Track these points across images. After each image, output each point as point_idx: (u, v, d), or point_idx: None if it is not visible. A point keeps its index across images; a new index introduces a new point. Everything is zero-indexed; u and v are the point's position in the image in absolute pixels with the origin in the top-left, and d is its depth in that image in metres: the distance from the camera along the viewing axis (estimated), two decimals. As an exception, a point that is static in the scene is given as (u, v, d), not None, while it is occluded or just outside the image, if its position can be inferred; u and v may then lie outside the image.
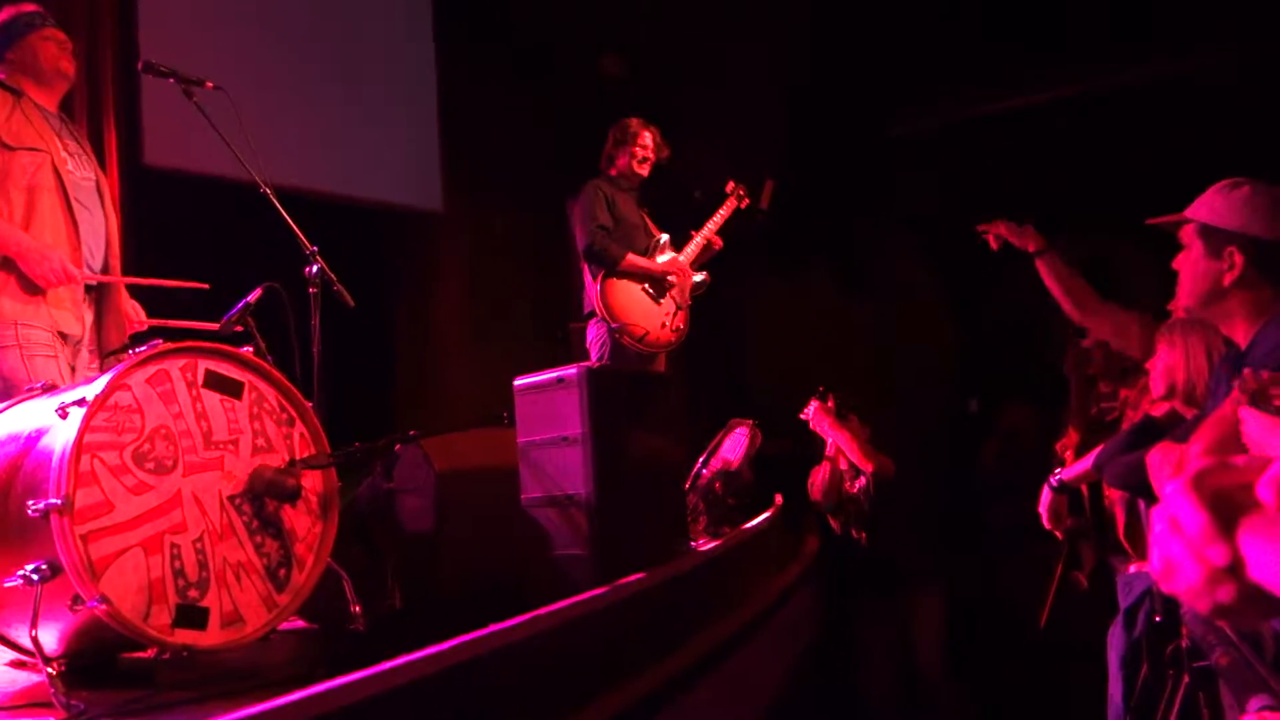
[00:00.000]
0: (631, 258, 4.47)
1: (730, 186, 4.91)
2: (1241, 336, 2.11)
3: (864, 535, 4.80)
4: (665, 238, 4.68)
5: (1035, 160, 6.10)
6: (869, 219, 6.66)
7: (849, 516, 4.87)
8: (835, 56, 6.28)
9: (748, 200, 4.89)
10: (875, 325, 6.51)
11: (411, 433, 3.11)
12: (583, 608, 2.43)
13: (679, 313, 4.56)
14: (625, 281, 4.46)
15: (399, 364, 5.49)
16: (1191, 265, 2.16)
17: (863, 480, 4.77)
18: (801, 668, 3.90)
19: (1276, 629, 1.88)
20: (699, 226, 4.78)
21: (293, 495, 2.49)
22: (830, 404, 4.85)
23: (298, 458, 2.57)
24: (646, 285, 4.51)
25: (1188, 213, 2.18)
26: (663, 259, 4.60)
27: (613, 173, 4.69)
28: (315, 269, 3.23)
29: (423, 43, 5.87)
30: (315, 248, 3.25)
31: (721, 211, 4.83)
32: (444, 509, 3.08)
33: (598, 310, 4.40)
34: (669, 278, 4.55)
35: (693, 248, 4.71)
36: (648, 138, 4.70)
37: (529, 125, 6.25)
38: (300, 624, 2.66)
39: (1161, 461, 2.21)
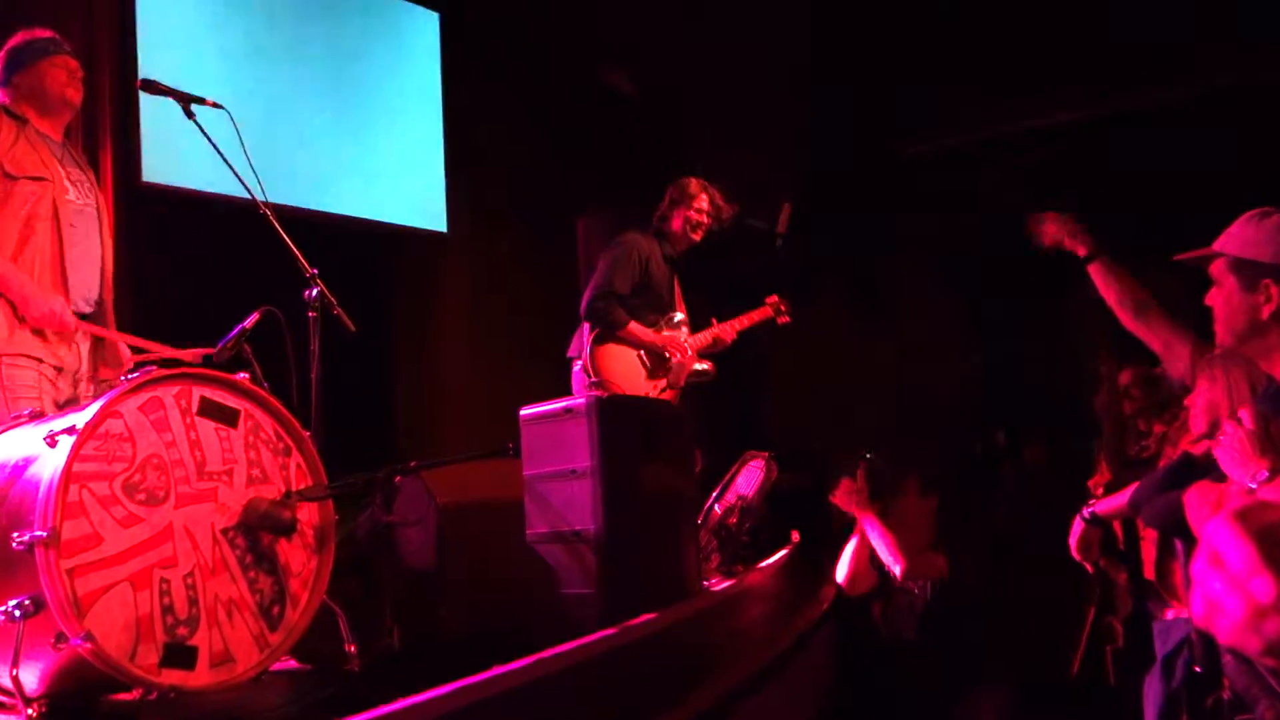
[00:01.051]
0: (634, 328, 4.35)
1: (772, 299, 4.79)
2: (1282, 377, 2.10)
3: (915, 636, 4.40)
4: (682, 317, 4.57)
5: (1062, 183, 6.10)
6: (889, 242, 6.67)
7: (897, 611, 4.48)
8: (849, 72, 6.32)
9: (786, 319, 4.77)
10: (897, 353, 6.50)
11: (412, 464, 3.10)
12: (589, 650, 2.41)
13: (667, 392, 4.47)
14: (620, 346, 4.37)
15: (400, 391, 5.49)
16: (1226, 301, 2.15)
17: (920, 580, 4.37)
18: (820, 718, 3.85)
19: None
20: (729, 315, 4.68)
21: (288, 529, 2.48)
22: (862, 482, 4.50)
23: (294, 489, 2.56)
24: (642, 354, 4.41)
25: (1217, 246, 2.17)
26: (668, 334, 4.48)
27: (665, 229, 4.56)
28: (315, 292, 3.23)
29: (428, 62, 5.92)
30: (315, 270, 3.26)
31: (752, 315, 4.72)
32: (446, 544, 3.06)
33: (583, 360, 4.35)
34: (668, 355, 4.43)
35: (705, 334, 4.58)
36: (705, 201, 4.54)
37: (535, 145, 6.28)
38: (293, 664, 2.64)
39: (1200, 501, 2.19)
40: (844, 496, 4.54)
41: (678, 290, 4.61)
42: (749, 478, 4.18)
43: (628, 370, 4.36)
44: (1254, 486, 1.76)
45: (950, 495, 4.77)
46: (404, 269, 5.76)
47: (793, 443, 5.45)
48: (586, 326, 4.39)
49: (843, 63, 6.26)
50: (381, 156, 5.57)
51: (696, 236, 4.55)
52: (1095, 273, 3.11)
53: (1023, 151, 6.34)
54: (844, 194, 6.63)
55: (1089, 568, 3.27)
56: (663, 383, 4.44)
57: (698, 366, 4.56)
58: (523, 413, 3.17)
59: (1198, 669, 2.66)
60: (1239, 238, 2.16)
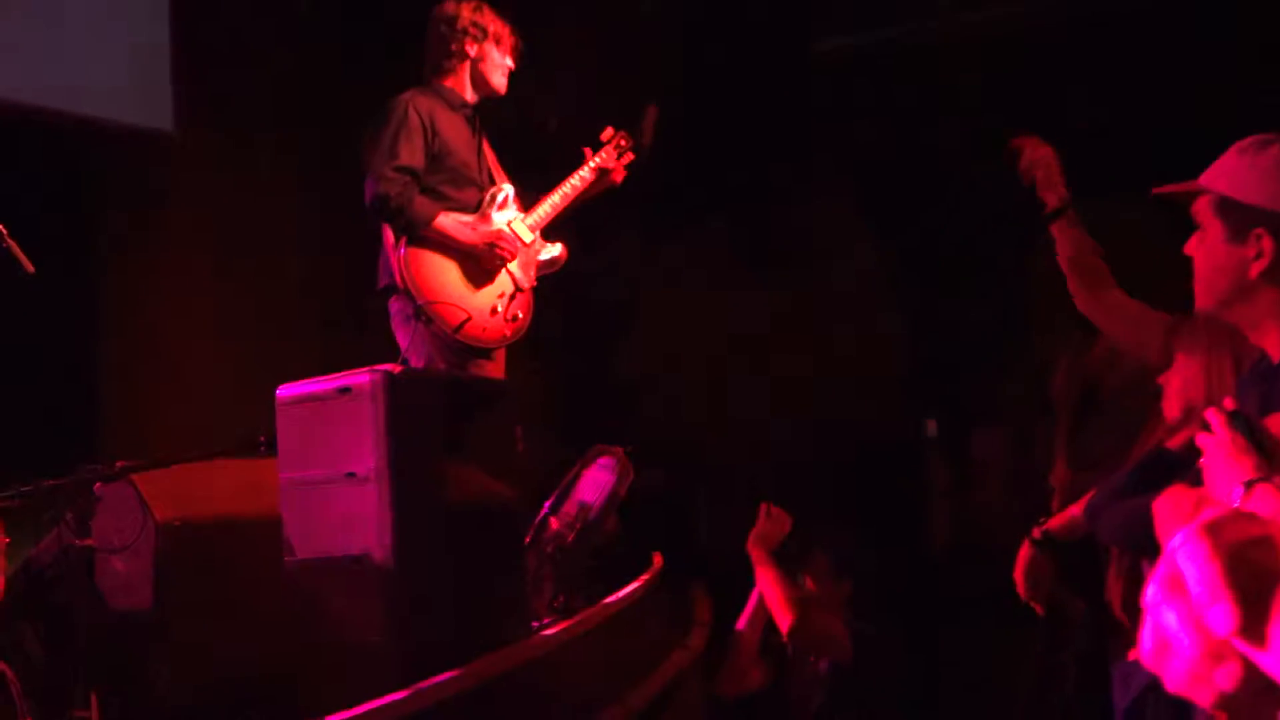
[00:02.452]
0: (443, 221, 4.29)
1: (608, 134, 4.73)
2: (1274, 346, 2.22)
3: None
4: (509, 191, 4.49)
5: (1018, 90, 6.31)
6: (790, 164, 6.79)
7: (802, 680, 4.65)
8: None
9: (631, 155, 4.71)
10: (798, 313, 6.64)
11: (120, 464, 3.03)
12: (371, 722, 2.41)
13: (518, 296, 4.43)
14: (437, 253, 4.29)
15: (105, 362, 5.31)
16: (1209, 252, 2.25)
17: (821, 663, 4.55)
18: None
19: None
20: (555, 180, 4.65)
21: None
22: (773, 524, 4.64)
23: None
24: (462, 261, 4.34)
25: (1203, 180, 2.27)
26: (500, 218, 4.43)
27: (444, 83, 4.49)
28: (-27, 216, 3.12)
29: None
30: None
31: (591, 165, 4.66)
32: (167, 577, 3.01)
33: (399, 282, 4.25)
34: (499, 251, 4.37)
35: (543, 211, 4.53)
36: (506, 32, 4.49)
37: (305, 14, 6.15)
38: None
39: (1173, 511, 2.30)
40: (755, 532, 4.64)
41: (491, 158, 4.56)
42: (596, 480, 4.23)
43: (457, 281, 4.30)
44: (1235, 505, 1.87)
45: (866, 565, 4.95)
46: (113, 185, 5.56)
47: (657, 432, 5.53)
48: (389, 243, 4.30)
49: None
50: (77, 20, 5.34)
51: (500, 84, 4.50)
52: (1057, 231, 3.27)
53: (968, 56, 6.54)
54: (734, 98, 6.71)
55: (1038, 609, 3.43)
56: (507, 284, 4.40)
57: (545, 255, 4.53)
58: (280, 392, 3.13)
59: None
60: (1229, 172, 2.26)
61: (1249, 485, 1.90)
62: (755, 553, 4.60)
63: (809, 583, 4.68)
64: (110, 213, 5.47)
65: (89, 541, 2.83)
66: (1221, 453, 1.96)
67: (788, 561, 4.62)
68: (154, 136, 5.66)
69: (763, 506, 4.69)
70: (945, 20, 6.64)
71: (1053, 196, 3.30)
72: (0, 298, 3.14)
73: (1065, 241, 3.28)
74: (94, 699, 2.68)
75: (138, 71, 5.60)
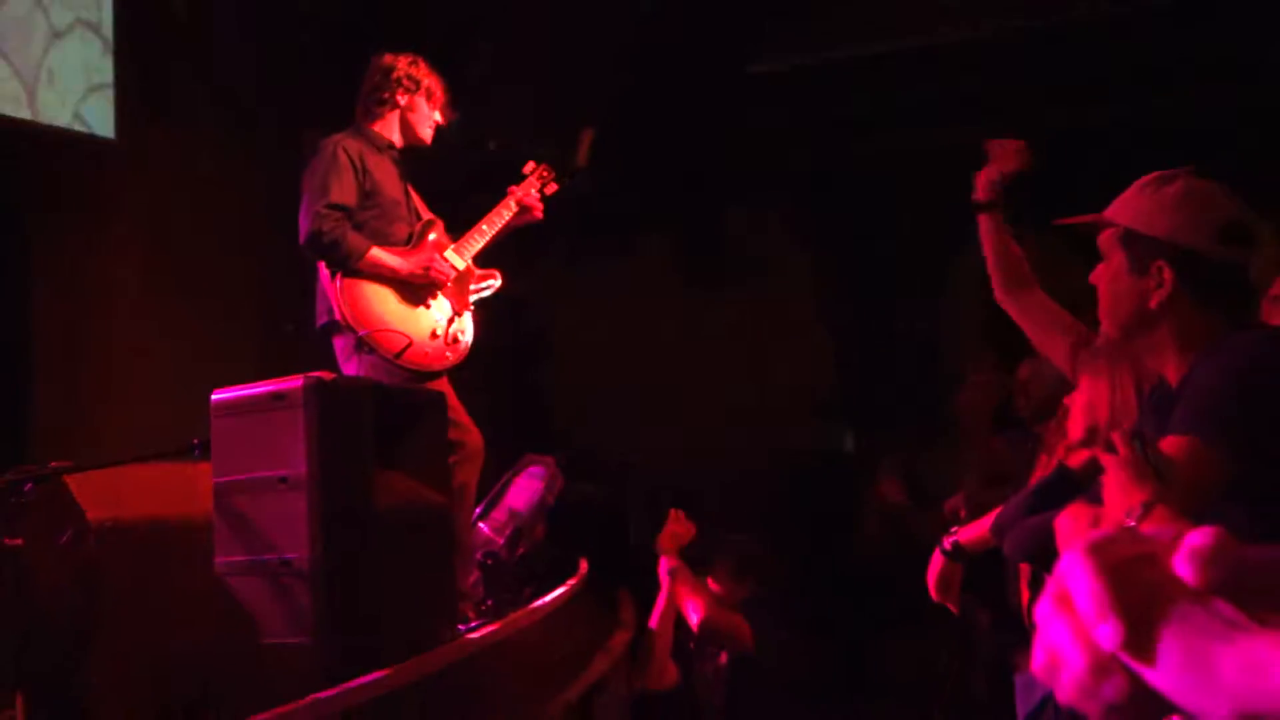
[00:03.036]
0: (376, 254, 4.28)
1: (529, 167, 4.74)
2: (1173, 372, 2.27)
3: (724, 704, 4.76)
4: (437, 224, 4.49)
5: (946, 112, 6.38)
6: (724, 189, 6.83)
7: (704, 678, 4.84)
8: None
9: (554, 186, 4.72)
10: (728, 331, 6.68)
11: (52, 464, 2.98)
12: (296, 722, 2.39)
13: (455, 320, 4.41)
14: (372, 283, 4.28)
15: (40, 363, 5.22)
16: (1113, 281, 2.30)
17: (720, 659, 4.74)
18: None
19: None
20: (481, 211, 4.64)
21: None
22: (680, 527, 4.84)
23: None
24: (399, 290, 4.33)
25: (1108, 213, 2.32)
26: (431, 248, 4.41)
27: (372, 126, 4.49)
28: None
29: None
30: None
31: (514, 201, 4.64)
32: (99, 579, 2.96)
33: (338, 316, 4.23)
34: (434, 276, 4.36)
35: (472, 242, 4.52)
36: (439, 89, 4.51)
37: (252, 25, 6.09)
38: None
39: (1074, 527, 2.35)
40: (663, 535, 4.82)
41: (415, 197, 4.56)
42: (525, 489, 4.24)
43: (395, 308, 4.28)
44: (1132, 525, 1.91)
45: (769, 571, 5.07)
46: (51, 189, 5.47)
47: (585, 440, 5.54)
48: (326, 275, 4.28)
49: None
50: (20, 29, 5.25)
51: (427, 136, 4.52)
52: (984, 224, 3.29)
53: (904, 74, 6.60)
54: (669, 119, 6.73)
55: (952, 608, 3.48)
56: (445, 308, 4.39)
57: (479, 281, 4.52)
58: (214, 397, 3.10)
59: (1063, 728, 2.90)
60: (1132, 206, 2.31)
61: (1146, 506, 1.94)
62: (665, 552, 4.71)
63: (710, 583, 4.84)
64: (48, 215, 5.38)
65: (17, 541, 2.78)
66: (1121, 474, 2.00)
67: (693, 564, 4.78)
68: (96, 141, 5.58)
69: (671, 511, 4.84)
70: (860, 47, 6.71)
71: (984, 192, 3.31)
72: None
73: (991, 234, 3.30)
74: (20, 701, 2.64)
75: (71, 64, 5.51)
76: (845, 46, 6.74)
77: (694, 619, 4.60)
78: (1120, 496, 2.02)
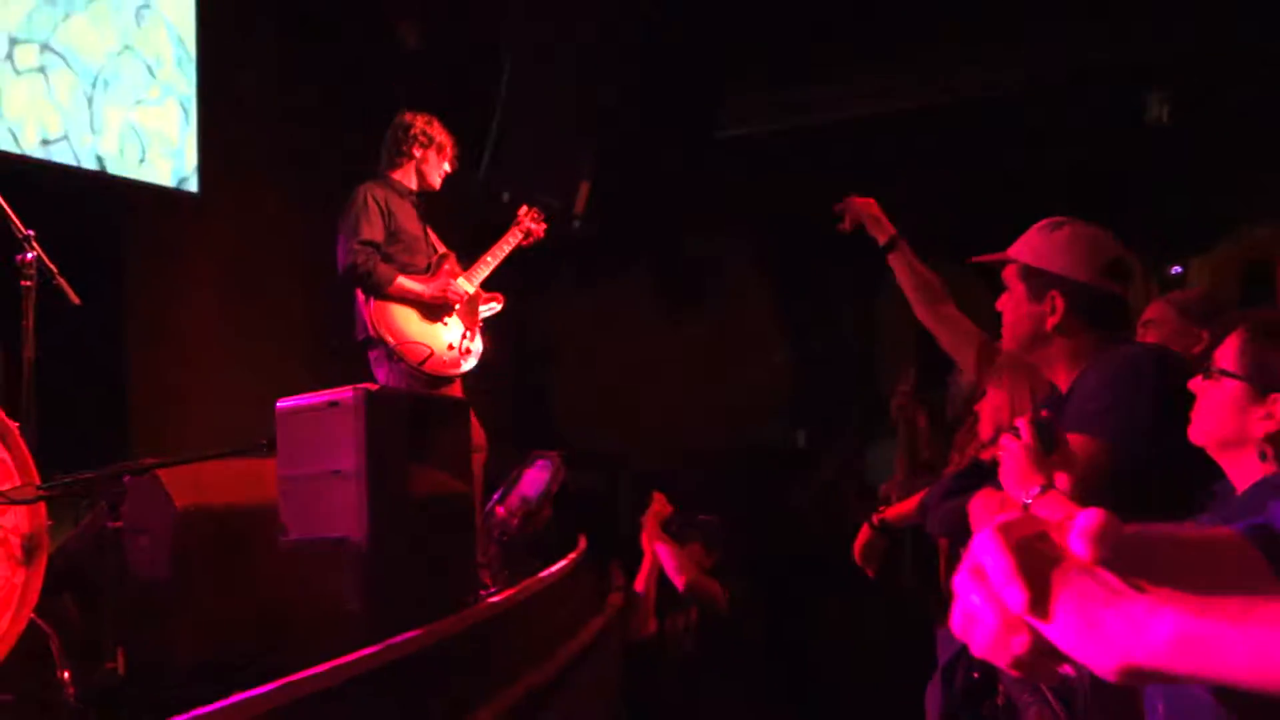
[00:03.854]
0: (402, 281, 4.29)
1: (524, 211, 4.76)
2: (1062, 381, 2.31)
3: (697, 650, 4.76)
4: (446, 253, 4.51)
5: (879, 174, 6.41)
6: (696, 227, 6.84)
7: (675, 629, 4.85)
8: (662, 50, 6.43)
9: (544, 226, 4.75)
10: (700, 346, 6.69)
11: (146, 461, 2.97)
12: (346, 672, 2.38)
13: (468, 335, 4.43)
14: (400, 305, 4.31)
15: (136, 377, 5.18)
16: (1014, 307, 2.34)
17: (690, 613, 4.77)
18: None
19: (1085, 686, 2.05)
20: (488, 243, 4.67)
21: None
22: (661, 507, 4.90)
23: (-3, 491, 2.41)
24: (421, 310, 4.36)
25: (1011, 252, 2.35)
26: (446, 276, 4.43)
27: (393, 175, 4.52)
28: (31, 256, 3.03)
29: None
30: (31, 232, 3.05)
31: (516, 234, 4.68)
32: (184, 554, 2.95)
33: (371, 333, 4.25)
34: (449, 299, 4.39)
35: (480, 270, 4.55)
36: (449, 145, 4.51)
37: (308, 97, 6.07)
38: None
39: (983, 509, 2.36)
40: (647, 522, 4.89)
41: (431, 234, 4.57)
42: (534, 479, 4.23)
43: (417, 325, 4.31)
44: (1028, 502, 1.93)
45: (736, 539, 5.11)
46: (145, 232, 5.44)
47: (583, 440, 5.52)
48: (361, 298, 4.30)
49: (659, 34, 6.37)
50: (119, 95, 5.23)
51: (436, 184, 4.53)
52: (894, 262, 3.30)
53: (843, 140, 6.64)
54: (651, 174, 6.75)
55: (870, 573, 3.51)
56: (459, 325, 4.41)
57: (487, 303, 4.54)
58: (279, 405, 3.09)
59: (975, 675, 2.91)
60: (1030, 246, 2.34)
61: (1042, 490, 1.96)
62: (650, 528, 4.76)
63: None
64: (145, 257, 5.37)
65: (118, 524, 2.76)
66: (1018, 462, 2.02)
67: (671, 540, 4.83)
68: (179, 194, 5.56)
69: (654, 494, 4.94)
70: (819, 115, 6.76)
71: (882, 235, 3.30)
72: (52, 325, 3.06)
73: (901, 269, 3.30)
74: (120, 654, 2.62)
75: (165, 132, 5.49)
76: (792, 118, 6.82)
77: (679, 580, 4.65)
78: (1016, 481, 2.03)
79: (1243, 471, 1.86)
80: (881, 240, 3.31)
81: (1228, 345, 1.85)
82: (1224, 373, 1.82)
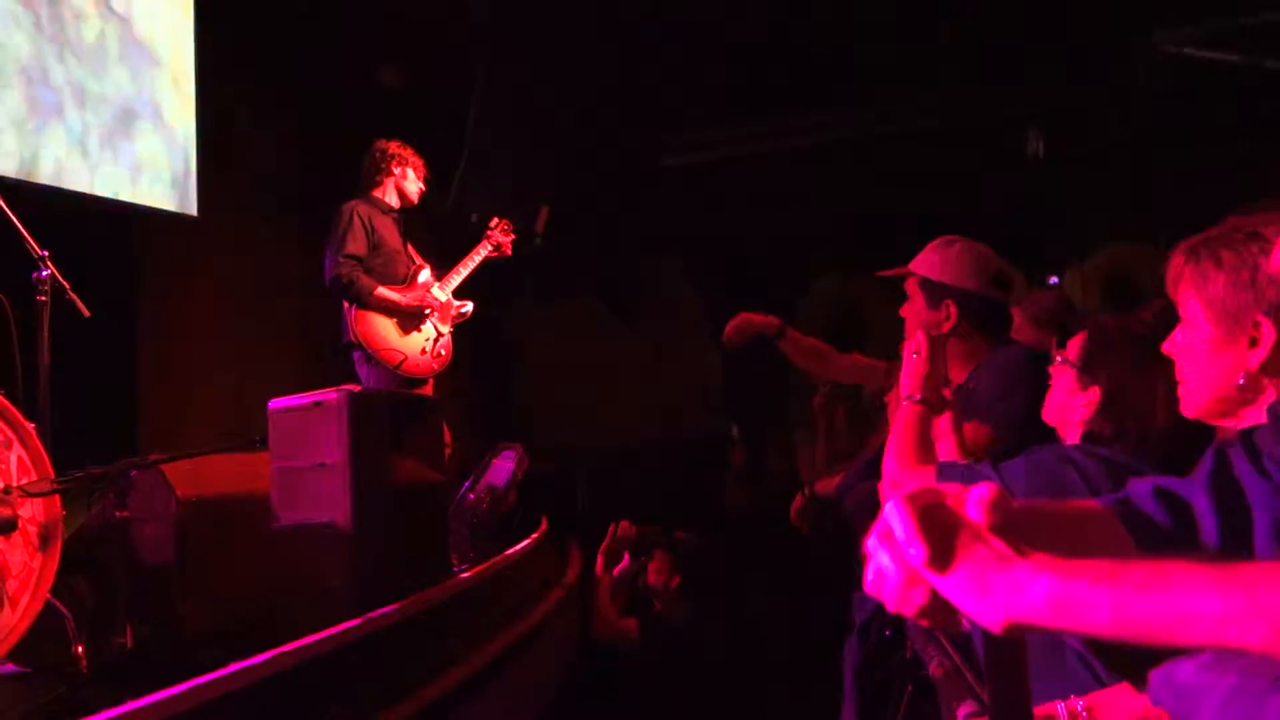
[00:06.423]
0: (381, 292, 4.26)
1: (494, 222, 4.75)
2: (958, 377, 2.35)
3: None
4: (427, 268, 4.49)
5: (805, 201, 6.48)
6: (640, 245, 6.86)
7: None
8: (613, 89, 6.44)
9: (512, 238, 4.72)
10: (644, 350, 6.71)
11: (151, 456, 2.91)
12: (332, 642, 2.35)
13: (440, 339, 4.42)
14: (378, 315, 4.29)
15: (143, 382, 5.08)
16: (915, 314, 2.38)
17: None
18: (565, 696, 3.93)
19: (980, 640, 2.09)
20: (459, 255, 4.65)
21: (6, 526, 2.28)
22: (618, 541, 4.21)
23: (15, 484, 2.35)
24: (398, 317, 4.34)
25: (911, 266, 2.40)
26: (422, 286, 4.40)
27: (374, 193, 4.48)
28: (45, 274, 2.97)
29: (182, 29, 5.46)
30: (46, 252, 2.98)
31: (487, 247, 4.66)
32: (186, 539, 2.89)
33: (354, 338, 4.24)
34: (424, 307, 4.37)
35: (453, 280, 4.53)
36: (420, 165, 4.51)
37: (296, 128, 6.00)
38: (10, 668, 2.41)
39: (890, 489, 2.40)
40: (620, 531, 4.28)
41: (410, 247, 4.54)
42: (500, 468, 4.20)
43: (394, 332, 4.28)
44: (916, 398, 2.00)
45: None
46: (150, 251, 5.34)
47: (543, 431, 5.51)
48: (346, 307, 4.28)
49: (611, 73, 6.37)
50: (127, 129, 5.11)
51: (414, 199, 4.52)
52: (784, 346, 3.30)
53: (767, 170, 6.70)
54: (602, 201, 6.76)
55: (803, 529, 3.60)
56: (432, 331, 4.38)
57: (458, 310, 4.52)
58: (271, 405, 3.05)
59: (887, 632, 2.94)
60: (927, 261, 2.39)
61: (922, 399, 2.02)
62: (600, 562, 4.28)
63: (651, 574, 4.33)
64: (150, 275, 5.27)
65: (126, 514, 2.71)
66: (915, 368, 2.09)
67: (637, 555, 4.31)
68: (182, 219, 5.46)
69: (611, 526, 4.32)
70: (744, 148, 6.81)
71: (770, 330, 3.27)
72: (65, 336, 2.99)
73: (791, 349, 3.30)
74: (129, 629, 2.57)
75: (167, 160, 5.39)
76: (725, 150, 6.86)
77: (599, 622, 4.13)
78: (907, 380, 2.09)
79: None
80: (770, 333, 3.29)
81: (1074, 341, 1.90)
82: (1066, 362, 1.87)
